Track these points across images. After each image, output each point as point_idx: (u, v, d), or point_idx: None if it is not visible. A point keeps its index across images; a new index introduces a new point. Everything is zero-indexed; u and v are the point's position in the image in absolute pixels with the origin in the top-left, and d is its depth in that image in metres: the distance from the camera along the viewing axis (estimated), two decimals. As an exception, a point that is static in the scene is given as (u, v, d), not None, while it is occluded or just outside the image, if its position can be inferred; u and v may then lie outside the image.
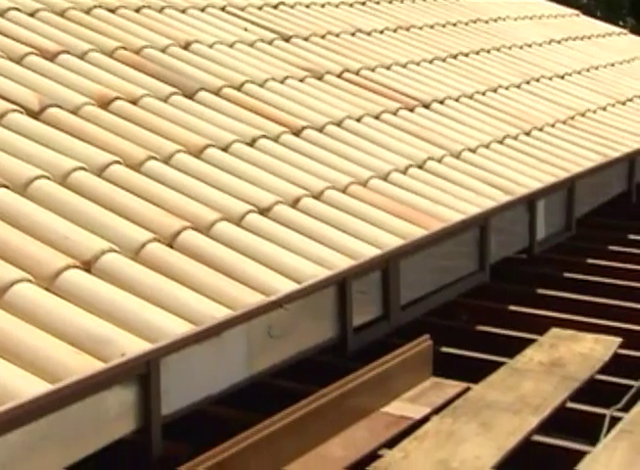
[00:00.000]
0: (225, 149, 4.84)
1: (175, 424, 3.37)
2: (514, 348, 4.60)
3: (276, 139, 5.15)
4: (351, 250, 4.32)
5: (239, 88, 5.58)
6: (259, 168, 4.76)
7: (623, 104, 7.96)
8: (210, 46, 6.05)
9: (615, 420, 3.90)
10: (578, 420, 4.03)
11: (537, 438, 3.81)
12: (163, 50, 5.73)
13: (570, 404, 4.10)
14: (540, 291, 5.42)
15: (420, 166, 5.46)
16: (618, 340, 4.65)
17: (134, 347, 3.20)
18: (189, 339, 3.34)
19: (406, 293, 4.61)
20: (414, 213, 4.87)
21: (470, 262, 5.16)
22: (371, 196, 4.92)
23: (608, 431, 3.81)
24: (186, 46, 5.90)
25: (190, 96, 5.26)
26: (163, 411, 3.27)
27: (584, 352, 4.55)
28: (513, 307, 5.17)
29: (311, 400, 3.66)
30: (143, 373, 3.19)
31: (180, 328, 3.37)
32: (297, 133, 5.29)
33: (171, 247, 3.90)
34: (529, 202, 5.59)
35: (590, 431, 3.87)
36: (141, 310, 3.42)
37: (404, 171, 5.32)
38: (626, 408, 4.01)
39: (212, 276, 3.77)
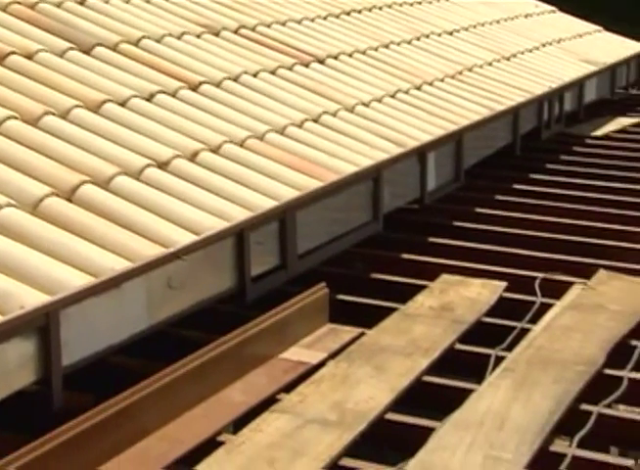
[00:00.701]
0: (123, 104, 4.74)
1: (77, 375, 3.33)
2: (406, 294, 4.65)
3: (174, 94, 5.07)
4: (249, 202, 4.30)
5: (136, 44, 5.47)
6: (158, 123, 4.69)
7: (508, 59, 8.05)
8: (106, 1, 5.91)
9: (499, 359, 3.98)
10: (466, 360, 4.09)
11: (428, 378, 3.86)
12: (59, 5, 5.58)
13: (458, 346, 4.17)
14: (431, 239, 5.47)
15: (315, 120, 5.44)
16: (503, 284, 4.73)
17: (33, 300, 3.14)
18: (88, 291, 3.29)
19: (303, 243, 4.61)
20: (310, 166, 4.86)
21: (364, 213, 5.19)
22: (268, 149, 4.89)
23: (493, 370, 3.89)
24: (81, 1, 5.75)
25: (86, 51, 5.14)
26: (64, 362, 3.22)
27: (472, 296, 4.62)
28: (405, 256, 5.21)
29: (211, 348, 3.64)
30: (42, 325, 3.14)
31: (79, 280, 3.32)
32: (194, 88, 5.22)
33: (70, 201, 3.82)
34: (420, 154, 5.63)
35: (477, 370, 3.94)
36: (40, 264, 3.35)
37: (300, 125, 5.30)
38: (510, 348, 4.09)
39: (112, 229, 3.71)
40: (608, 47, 9.78)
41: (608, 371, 3.94)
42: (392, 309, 4.47)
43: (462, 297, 4.61)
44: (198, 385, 3.50)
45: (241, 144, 4.82)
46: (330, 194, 4.76)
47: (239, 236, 4.10)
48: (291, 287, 4.43)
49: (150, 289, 3.61)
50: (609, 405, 3.79)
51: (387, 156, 5.28)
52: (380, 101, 6.10)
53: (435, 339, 4.15)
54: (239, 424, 3.46)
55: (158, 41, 5.62)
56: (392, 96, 6.25)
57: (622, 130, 8.14)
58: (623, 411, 3.99)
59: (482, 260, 5.09)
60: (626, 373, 3.90)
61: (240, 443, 3.25)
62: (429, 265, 5.07)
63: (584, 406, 3.68)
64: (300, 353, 3.99)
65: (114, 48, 5.30)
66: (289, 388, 3.70)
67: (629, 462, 3.33)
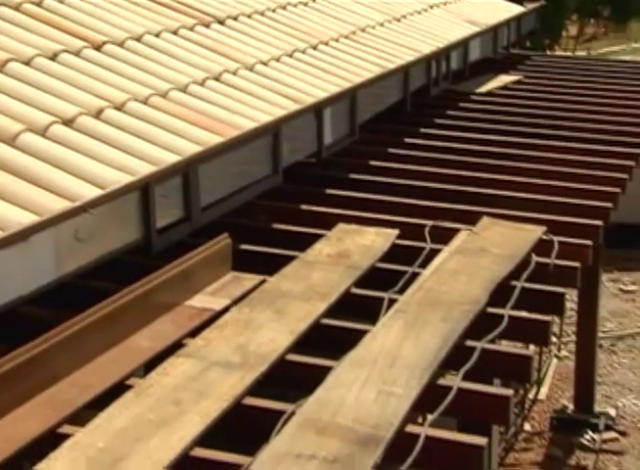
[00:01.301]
0: (27, 63, 4.61)
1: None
2: (305, 243, 4.66)
3: (77, 53, 4.94)
4: (153, 157, 4.24)
5: (39, 4, 5.30)
6: (62, 82, 4.57)
7: (398, 21, 8.06)
8: (8, -37, 5.70)
9: (392, 302, 4.03)
10: (361, 304, 4.13)
11: (325, 321, 3.89)
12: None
13: (354, 290, 4.20)
14: (328, 191, 5.48)
15: (216, 79, 5.37)
16: (396, 232, 4.77)
17: (-58, 254, 3.05)
18: (-4, 244, 3.21)
19: (206, 196, 4.57)
20: (211, 122, 4.80)
21: (264, 167, 5.16)
22: (171, 107, 4.81)
23: (386, 311, 3.93)
24: (-17, -37, 5.54)
25: (-10, 12, 4.97)
26: (-26, 314, 3.15)
27: (367, 243, 4.65)
28: (304, 207, 5.21)
29: (119, 297, 3.60)
30: (-49, 279, 3.05)
31: (-13, 235, 3.23)
32: (97, 48, 5.10)
33: (-24, 158, 3.71)
34: (317, 110, 5.61)
35: (371, 312, 3.98)
36: (-52, 219, 3.25)
37: (202, 83, 5.23)
38: (401, 291, 4.14)
39: (19, 185, 3.62)
40: (490, 9, 9.87)
41: (490, 310, 4.01)
42: (292, 258, 4.47)
43: (357, 244, 4.64)
44: (106, 332, 3.47)
45: (144, 102, 4.73)
46: (231, 149, 4.72)
47: (144, 190, 4.05)
48: (195, 238, 4.40)
49: (58, 242, 3.55)
50: (491, 341, 3.87)
51: (285, 112, 5.25)
52: (278, 60, 6.05)
53: (333, 284, 4.18)
54: (147, 369, 3.44)
55: (60, 1, 5.46)
56: (290, 55, 6.21)
57: (504, 87, 8.24)
58: (505, 346, 4.09)
59: (376, 210, 5.12)
60: (507, 311, 3.98)
61: (147, 386, 3.23)
62: (326, 216, 5.08)
63: (469, 343, 3.75)
64: (205, 301, 3.98)
65: (17, 8, 5.13)
66: (194, 333, 3.69)
67: (509, 392, 3.41)
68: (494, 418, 3.58)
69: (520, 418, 7.58)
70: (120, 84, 4.78)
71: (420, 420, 3.68)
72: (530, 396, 7.93)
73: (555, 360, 8.58)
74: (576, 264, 4.52)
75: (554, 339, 8.64)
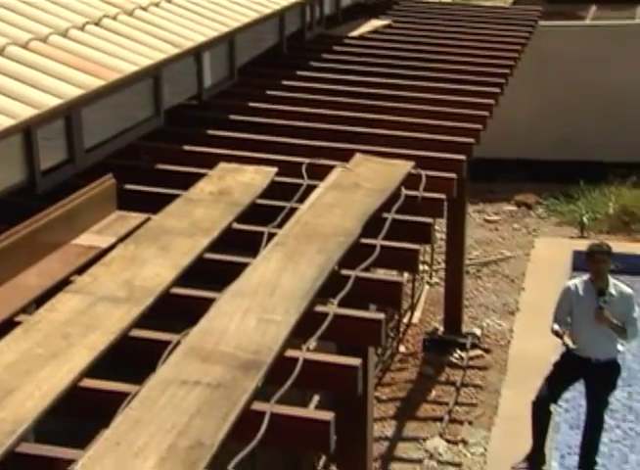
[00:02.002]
0: None
1: None
2: (188, 182, 4.60)
3: (-46, -2, 4.70)
4: (35, 100, 4.08)
5: None
6: (-61, 27, 4.35)
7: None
8: None
9: (271, 236, 4.03)
10: (242, 238, 4.12)
11: (208, 255, 3.87)
12: None
13: (235, 226, 4.18)
14: (209, 132, 5.41)
15: (96, 24, 5.19)
16: (274, 169, 4.75)
17: None
18: None
19: (90, 138, 4.46)
20: (93, 66, 4.65)
21: (146, 109, 5.05)
22: (52, 51, 4.63)
23: (266, 245, 3.93)
24: None
25: None
26: None
27: (247, 181, 4.63)
28: (186, 147, 5.14)
29: (4, 237, 3.49)
30: None
31: None
32: (-25, -7, 4.85)
33: None
34: (196, 54, 5.51)
35: (252, 246, 3.97)
36: None
37: (82, 28, 5.04)
38: (280, 225, 4.15)
39: None
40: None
41: (364, 240, 4.06)
42: (176, 196, 4.41)
43: (238, 182, 4.61)
44: (-7, 272, 3.37)
45: (24, 46, 4.54)
46: (113, 92, 4.60)
47: (26, 133, 3.91)
48: (79, 179, 4.29)
49: (-60, 185, 3.40)
50: (366, 270, 3.91)
51: (165, 56, 5.12)
52: (157, 5, 5.87)
53: (215, 220, 4.15)
54: (36, 306, 3.36)
55: None
56: (169, 1, 6.04)
57: (375, 31, 8.25)
58: (378, 274, 4.15)
59: (256, 150, 5.09)
60: (379, 241, 4.03)
61: (36, 322, 3.16)
62: (207, 156, 5.02)
63: (344, 272, 3.78)
64: (91, 239, 3.90)
65: None
66: (81, 270, 3.62)
67: (381, 316, 3.47)
68: (369, 340, 3.64)
69: (395, 341, 7.75)
70: (-1, 29, 4.58)
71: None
72: (405, 320, 8.11)
73: (427, 287, 8.76)
74: (442, 196, 4.60)
75: (426, 267, 8.84)
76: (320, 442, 2.88)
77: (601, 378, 5.63)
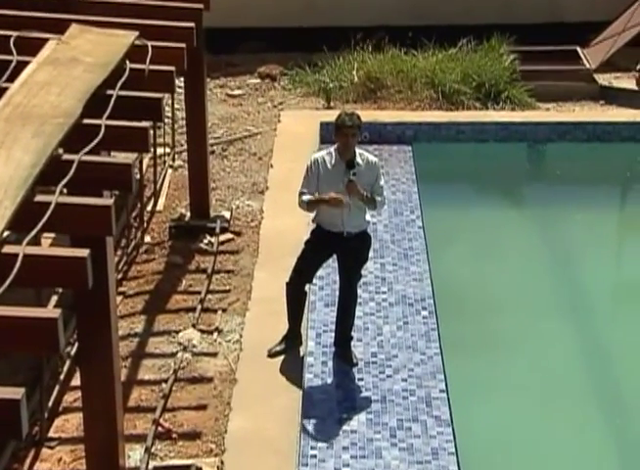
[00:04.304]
0: None
1: None
2: None
3: None
4: None
5: None
6: None
7: None
8: None
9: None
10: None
11: None
12: None
13: None
14: None
15: None
16: None
17: None
18: None
19: None
20: None
21: None
22: None
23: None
24: None
25: None
26: None
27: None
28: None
29: None
30: None
31: None
32: None
33: None
34: None
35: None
36: None
37: None
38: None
39: None
40: None
41: (87, 121, 3.95)
42: None
43: None
44: None
45: None
46: None
47: None
48: None
49: None
50: (92, 153, 3.82)
51: None
52: None
53: None
54: None
55: None
56: None
57: None
58: (104, 157, 4.06)
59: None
60: (104, 121, 3.93)
61: None
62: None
63: (67, 156, 3.67)
64: None
65: None
66: None
67: (108, 201, 3.42)
68: (99, 229, 3.59)
69: (139, 231, 7.68)
70: None
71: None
72: (149, 208, 8.04)
73: (170, 171, 8.70)
74: (172, 69, 4.53)
75: (167, 149, 8.75)
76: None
77: (353, 251, 5.86)
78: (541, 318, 6.70)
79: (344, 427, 5.37)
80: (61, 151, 3.75)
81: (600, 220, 8.20)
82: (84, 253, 3.10)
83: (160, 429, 5.35)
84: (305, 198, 5.71)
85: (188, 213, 7.92)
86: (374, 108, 9.76)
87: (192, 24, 4.98)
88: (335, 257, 6.03)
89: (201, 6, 5.24)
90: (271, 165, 8.70)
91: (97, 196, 3.68)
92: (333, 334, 6.09)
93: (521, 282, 7.17)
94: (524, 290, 7.06)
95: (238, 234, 7.73)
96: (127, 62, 4.43)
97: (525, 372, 6.13)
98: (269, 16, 10.89)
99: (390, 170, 8.58)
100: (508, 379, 6.08)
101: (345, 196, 5.62)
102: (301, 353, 6.00)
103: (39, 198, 3.37)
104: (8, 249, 3.03)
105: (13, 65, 4.34)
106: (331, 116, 6.35)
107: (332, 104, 9.80)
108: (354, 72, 10.05)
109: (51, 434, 5.32)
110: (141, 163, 7.71)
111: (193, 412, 5.58)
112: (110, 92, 4.18)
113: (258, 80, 10.62)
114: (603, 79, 10.30)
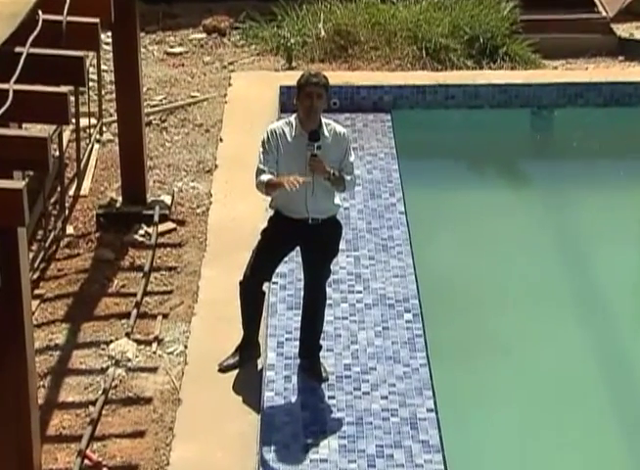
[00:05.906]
0: None
1: None
2: None
3: None
4: None
5: None
6: None
7: None
8: None
9: None
10: None
11: None
12: None
13: None
14: None
15: None
16: None
17: None
18: None
19: None
20: None
21: None
22: None
23: None
24: None
25: None
26: None
27: None
28: None
29: None
30: None
31: None
32: None
33: None
34: None
35: None
36: None
37: None
38: None
39: None
40: None
41: (-7, 86, 3.92)
42: None
43: None
44: None
45: None
46: None
47: None
48: None
49: None
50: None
51: None
52: None
53: None
54: None
55: None
56: None
57: None
58: (16, 129, 4.05)
59: None
60: (12, 85, 3.91)
61: None
62: None
63: (-33, 129, 3.65)
64: None
65: None
66: None
67: (19, 184, 3.40)
68: (9, 219, 3.59)
69: (60, 220, 7.65)
70: None
71: None
72: (71, 192, 8.01)
73: (97, 146, 8.67)
74: (96, 21, 4.52)
75: (93, 120, 8.71)
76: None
77: (320, 242, 5.86)
78: (546, 320, 6.75)
79: (313, 455, 5.38)
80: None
81: (619, 203, 8.24)
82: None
83: (86, 462, 5.33)
84: (264, 177, 5.65)
85: (119, 198, 7.91)
86: (345, 68, 9.79)
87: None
88: (298, 249, 6.03)
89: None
90: (220, 139, 8.70)
91: (5, 178, 3.66)
92: (297, 343, 6.10)
93: (521, 278, 7.22)
94: (524, 287, 7.11)
95: (181, 223, 7.73)
96: (40, 12, 4.41)
97: (528, 385, 6.17)
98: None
99: (366, 144, 8.61)
100: (508, 394, 6.12)
101: (309, 175, 5.60)
102: (260, 367, 6.00)
103: None
104: None
105: None
106: (292, 78, 6.34)
107: (293, 64, 9.82)
108: (320, 25, 10.07)
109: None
110: (60, 136, 7.68)
111: (127, 441, 5.58)
112: (19, 49, 4.15)
113: (204, 35, 10.62)
114: (622, 30, 10.36)
